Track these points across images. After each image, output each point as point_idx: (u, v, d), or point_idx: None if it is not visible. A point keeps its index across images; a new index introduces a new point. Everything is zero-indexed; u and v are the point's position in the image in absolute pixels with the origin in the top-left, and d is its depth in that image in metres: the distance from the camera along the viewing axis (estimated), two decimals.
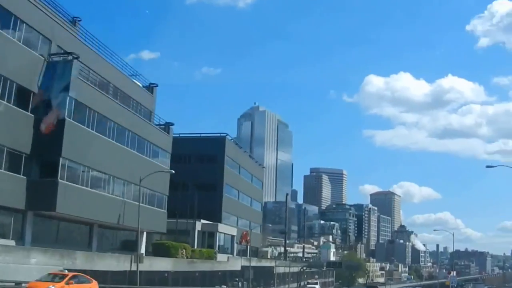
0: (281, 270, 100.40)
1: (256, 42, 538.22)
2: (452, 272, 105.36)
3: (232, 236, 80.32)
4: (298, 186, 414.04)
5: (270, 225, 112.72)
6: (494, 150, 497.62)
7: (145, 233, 56.92)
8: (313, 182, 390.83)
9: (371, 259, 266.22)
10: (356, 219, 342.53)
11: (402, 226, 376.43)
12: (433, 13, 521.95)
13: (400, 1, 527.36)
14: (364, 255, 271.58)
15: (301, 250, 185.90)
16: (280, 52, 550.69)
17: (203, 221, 72.03)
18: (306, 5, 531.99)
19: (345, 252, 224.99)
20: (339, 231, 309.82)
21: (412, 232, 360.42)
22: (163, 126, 60.96)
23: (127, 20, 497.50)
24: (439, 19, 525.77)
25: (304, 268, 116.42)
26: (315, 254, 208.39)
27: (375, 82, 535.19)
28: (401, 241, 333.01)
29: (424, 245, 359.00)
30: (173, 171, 52.49)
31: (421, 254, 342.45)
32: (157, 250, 57.32)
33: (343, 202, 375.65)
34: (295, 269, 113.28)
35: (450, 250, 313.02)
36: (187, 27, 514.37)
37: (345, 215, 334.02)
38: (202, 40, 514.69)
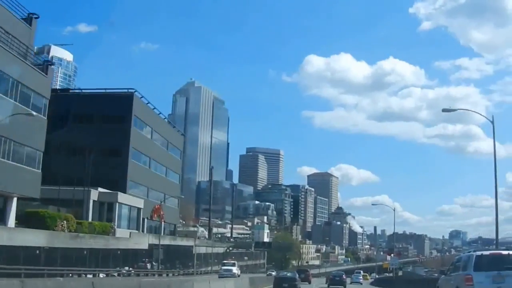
0: (202, 250, 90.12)
1: (196, 19, 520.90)
2: (392, 254, 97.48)
3: (139, 209, 68.00)
4: (234, 165, 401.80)
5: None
6: (433, 134, 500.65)
7: (15, 199, 44.56)
8: (249, 162, 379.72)
9: (307, 241, 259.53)
10: (292, 200, 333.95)
11: (339, 208, 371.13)
12: None
13: None
14: (300, 237, 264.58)
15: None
16: (220, 28, 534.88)
17: (100, 189, 59.70)
18: None
19: (279, 233, 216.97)
20: (274, 212, 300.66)
21: (349, 213, 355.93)
22: (41, 66, 48.13)
23: None
24: (383, 1, 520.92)
25: (230, 248, 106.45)
26: (248, 235, 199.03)
27: (315, 63, 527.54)
28: (338, 223, 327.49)
29: (361, 227, 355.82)
30: (37, 114, 39.82)
31: (358, 236, 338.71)
32: (29, 220, 45.11)
33: (280, 183, 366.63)
34: (220, 249, 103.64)
35: (388, 233, 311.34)
36: (125, 1, 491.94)
37: (281, 195, 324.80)
38: (140, 15, 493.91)
